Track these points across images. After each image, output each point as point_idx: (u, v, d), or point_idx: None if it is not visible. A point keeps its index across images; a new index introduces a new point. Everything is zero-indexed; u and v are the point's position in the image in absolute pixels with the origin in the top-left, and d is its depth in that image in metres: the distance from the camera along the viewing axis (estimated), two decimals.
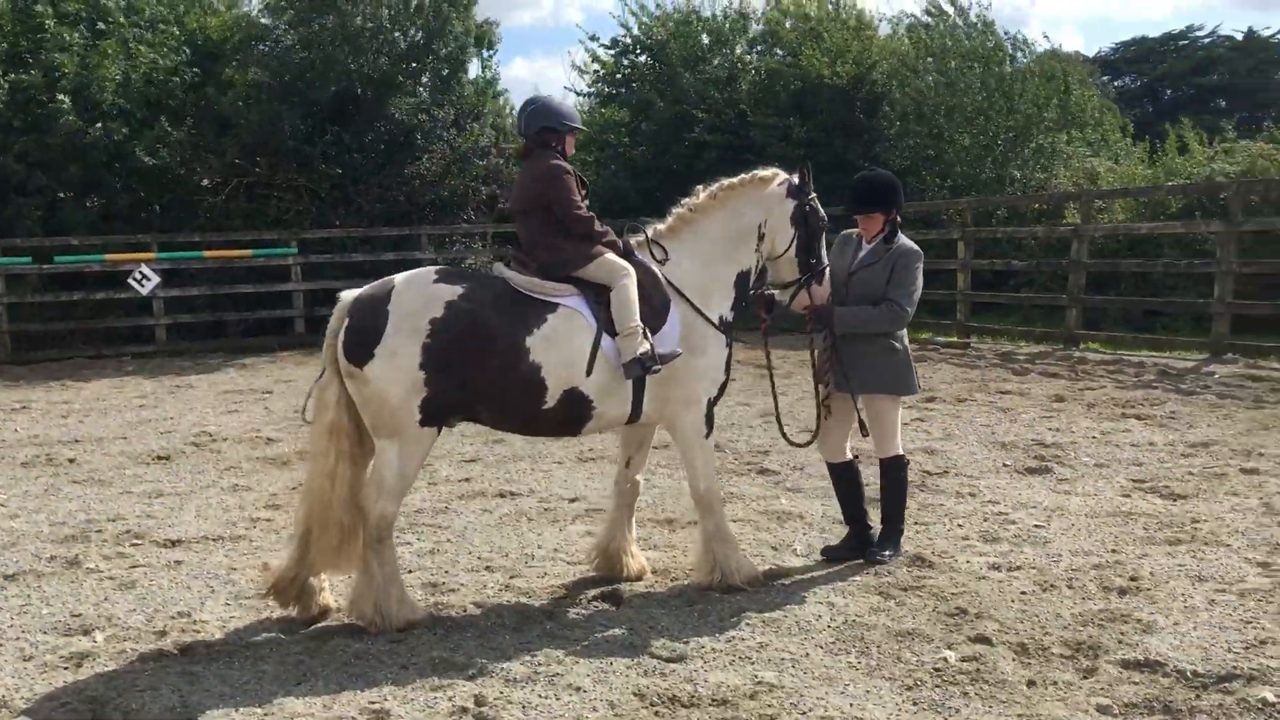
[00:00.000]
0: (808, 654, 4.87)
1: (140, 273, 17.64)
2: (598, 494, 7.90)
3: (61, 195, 18.77)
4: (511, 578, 6.08)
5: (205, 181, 19.37)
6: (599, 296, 5.47)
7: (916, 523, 6.82)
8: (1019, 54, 22.91)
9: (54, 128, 17.86)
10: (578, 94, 27.28)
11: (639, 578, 5.96)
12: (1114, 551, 6.26)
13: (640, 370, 5.34)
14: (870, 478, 6.47)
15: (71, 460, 9.61)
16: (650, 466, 8.18)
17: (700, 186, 5.98)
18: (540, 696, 4.48)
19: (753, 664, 4.78)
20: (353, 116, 19.97)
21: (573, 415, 5.45)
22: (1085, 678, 4.57)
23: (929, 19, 24.43)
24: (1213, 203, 16.43)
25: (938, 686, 4.50)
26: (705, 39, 25.12)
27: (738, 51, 25.14)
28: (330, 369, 5.29)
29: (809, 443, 6.47)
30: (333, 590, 5.61)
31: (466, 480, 8.52)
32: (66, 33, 18.50)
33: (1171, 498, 7.43)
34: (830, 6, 24.75)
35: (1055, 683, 4.51)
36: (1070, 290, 15.61)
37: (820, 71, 22.12)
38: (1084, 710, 4.26)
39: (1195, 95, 42.38)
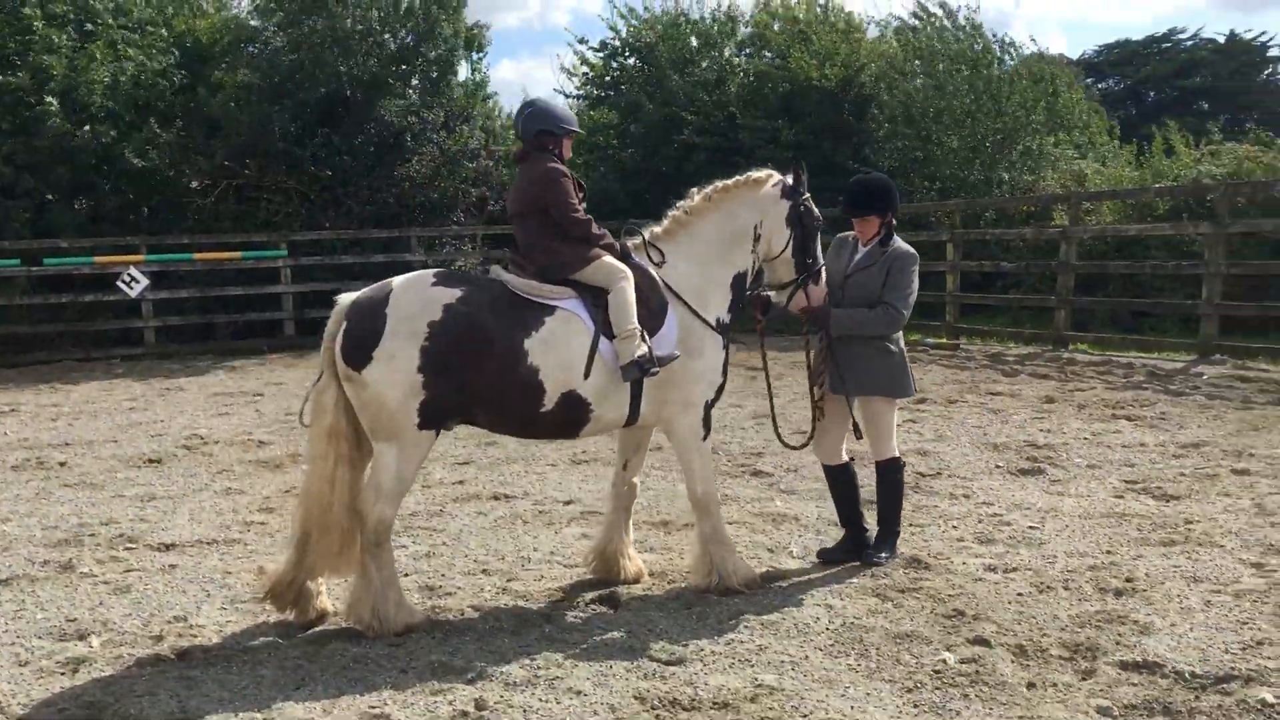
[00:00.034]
0: (807, 656, 4.88)
1: (129, 275, 17.56)
2: (592, 496, 7.90)
3: (50, 197, 18.67)
4: (508, 581, 6.08)
5: (194, 184, 19.29)
6: (597, 299, 5.47)
7: (911, 525, 6.84)
8: (1006, 56, 23.01)
9: (42, 130, 17.77)
10: (566, 96, 27.29)
11: (636, 580, 5.96)
12: (1109, 553, 6.29)
13: (638, 373, 5.35)
14: (864, 479, 6.49)
15: (62, 463, 9.56)
16: (644, 469, 8.16)
17: (695, 189, 5.99)
18: (541, 700, 4.48)
19: (752, 667, 4.78)
20: (342, 118, 19.91)
21: (571, 418, 5.45)
22: (1084, 679, 4.59)
23: (916, 22, 24.53)
24: (1200, 205, 16.51)
25: (938, 689, 4.51)
26: (694, 41, 25.14)
27: (726, 54, 25.17)
28: (328, 372, 5.28)
29: (804, 445, 6.48)
30: (330, 594, 5.60)
31: (460, 483, 8.51)
32: (55, 35, 18.40)
33: (1164, 499, 7.46)
34: (819, 9, 24.80)
35: (1055, 684, 4.53)
36: (1059, 291, 15.67)
37: (809, 74, 22.16)
38: (1084, 712, 4.27)
39: (1178, 97, 42.59)
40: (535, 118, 5.72)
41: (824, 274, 6.04)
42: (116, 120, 18.67)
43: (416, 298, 5.21)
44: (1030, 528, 6.84)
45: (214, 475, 9.04)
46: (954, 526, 6.93)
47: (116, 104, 18.69)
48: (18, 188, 18.07)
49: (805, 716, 4.29)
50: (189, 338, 19.09)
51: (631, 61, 25.68)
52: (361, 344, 5.12)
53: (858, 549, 6.20)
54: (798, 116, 22.09)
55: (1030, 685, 4.53)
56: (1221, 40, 44.17)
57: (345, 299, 5.35)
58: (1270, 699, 4.27)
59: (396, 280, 5.37)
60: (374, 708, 4.42)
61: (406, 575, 6.07)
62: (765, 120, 22.00)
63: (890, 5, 71.94)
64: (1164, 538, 6.52)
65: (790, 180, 5.96)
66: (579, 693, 4.53)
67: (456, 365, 5.15)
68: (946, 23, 23.43)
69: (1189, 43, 44.99)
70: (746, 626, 5.24)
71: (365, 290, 5.39)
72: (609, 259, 5.56)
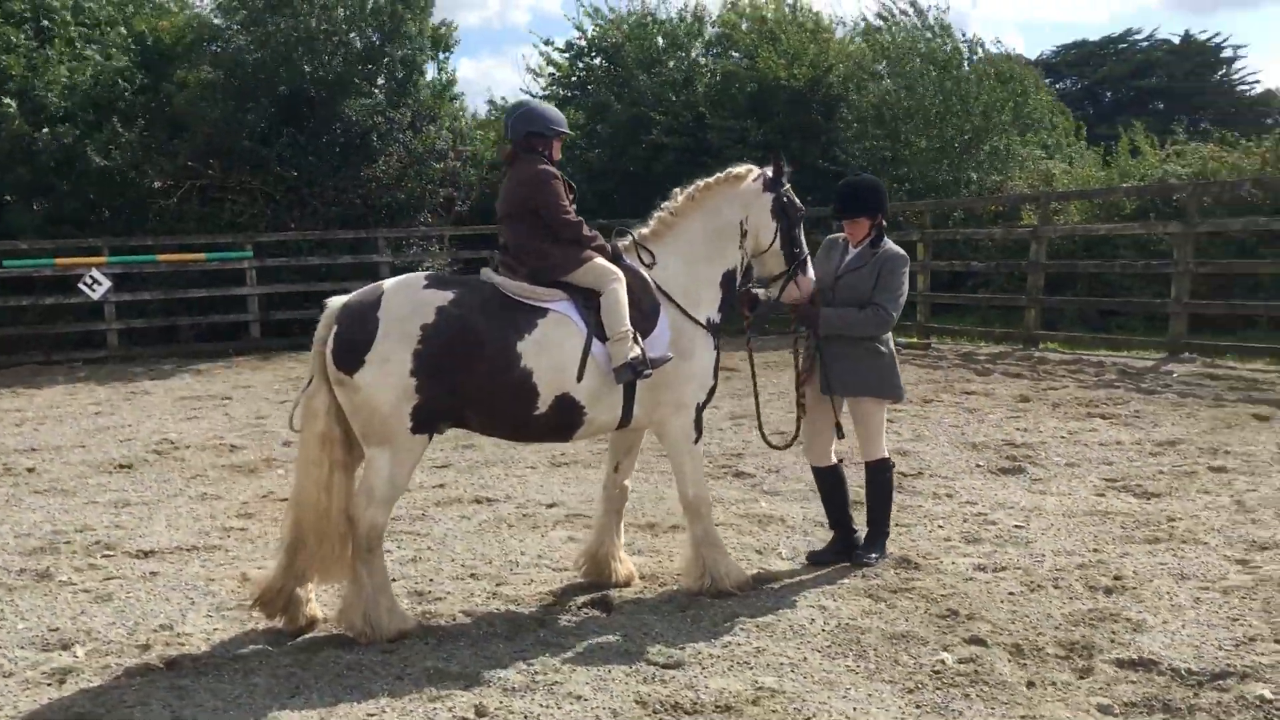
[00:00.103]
0: (805, 658, 4.86)
1: (91, 277, 17.29)
2: (575, 499, 7.86)
3: (9, 198, 18.35)
4: (498, 585, 6.02)
5: (157, 184, 18.99)
6: (589, 301, 5.43)
7: (898, 525, 6.83)
8: (974, 55, 23.16)
9: (0, 131, 17.46)
10: (532, 96, 27.17)
11: (627, 583, 5.92)
12: (1095, 551, 6.32)
13: (632, 375, 5.31)
14: (852, 480, 6.48)
15: (30, 469, 9.39)
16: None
17: (678, 189, 5.97)
18: (541, 705, 4.43)
19: (751, 669, 4.76)
20: (308, 118, 19.69)
21: (564, 421, 5.41)
22: (1082, 678, 4.60)
23: (881, 22, 24.63)
24: (1166, 204, 16.71)
25: (938, 689, 4.51)
26: (660, 41, 25.08)
27: (694, 54, 25.15)
28: (318, 377, 5.20)
29: (788, 445, 6.48)
30: (319, 601, 5.52)
31: (441, 486, 8.43)
32: (12, 33, 18.10)
33: (1145, 496, 7.52)
34: (787, 9, 24.84)
35: (1054, 683, 4.54)
36: (1029, 291, 15.80)
37: (777, 74, 22.19)
38: (1085, 710, 4.29)
39: (1135, 97, 43.14)
40: (525, 119, 5.69)
41: (809, 263, 6.03)
42: (76, 120, 18.37)
43: (408, 300, 5.15)
44: (1016, 526, 6.87)
45: (188, 480, 8.90)
46: (940, 526, 6.95)
47: (75, 104, 18.39)
48: None
49: (808, 719, 4.27)
50: (152, 340, 18.82)
51: (598, 61, 25.61)
52: (353, 347, 5.05)
53: (847, 551, 6.20)
54: (766, 116, 22.11)
55: (1030, 684, 4.54)
56: (1176, 41, 44.84)
57: (335, 302, 5.29)
58: (1269, 695, 4.30)
59: (387, 283, 5.31)
60: (372, 715, 4.36)
61: (394, 580, 5.97)
62: (734, 120, 21.99)
63: (857, 5, 72.23)
64: (1148, 535, 6.57)
65: (770, 173, 5.95)
66: (579, 697, 4.49)
67: (449, 368, 5.09)
68: (916, 21, 23.53)
69: (1145, 44, 45.63)
70: (742, 629, 5.22)
71: (356, 293, 5.32)
72: (600, 261, 5.53)
